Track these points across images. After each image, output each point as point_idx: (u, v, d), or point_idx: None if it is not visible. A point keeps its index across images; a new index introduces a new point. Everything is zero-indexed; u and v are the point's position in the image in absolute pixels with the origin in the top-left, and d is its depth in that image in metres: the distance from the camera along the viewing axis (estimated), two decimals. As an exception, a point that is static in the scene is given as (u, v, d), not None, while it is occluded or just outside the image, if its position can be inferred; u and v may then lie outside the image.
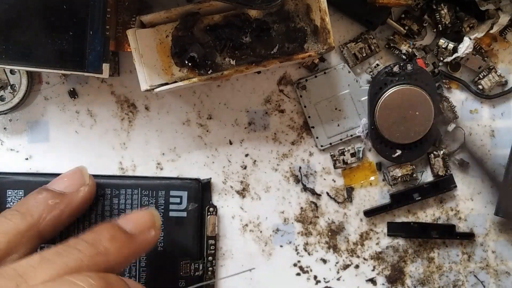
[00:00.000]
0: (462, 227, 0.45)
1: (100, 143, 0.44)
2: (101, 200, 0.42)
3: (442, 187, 0.44)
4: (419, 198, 0.44)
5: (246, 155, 0.45)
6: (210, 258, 0.44)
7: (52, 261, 0.34)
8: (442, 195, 0.45)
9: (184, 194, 0.43)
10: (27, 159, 0.44)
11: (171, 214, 0.43)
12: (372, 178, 0.45)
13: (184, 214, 0.43)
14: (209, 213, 0.43)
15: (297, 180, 0.45)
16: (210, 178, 0.44)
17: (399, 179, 0.44)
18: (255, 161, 0.45)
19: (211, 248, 0.44)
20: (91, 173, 0.41)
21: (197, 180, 0.43)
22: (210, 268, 0.44)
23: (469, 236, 0.45)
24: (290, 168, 0.45)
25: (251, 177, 0.45)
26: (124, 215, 0.39)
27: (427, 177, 0.45)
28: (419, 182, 0.45)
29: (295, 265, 0.45)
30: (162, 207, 0.43)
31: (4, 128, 0.44)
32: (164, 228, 0.42)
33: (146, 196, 0.43)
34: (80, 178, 0.40)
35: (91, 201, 0.41)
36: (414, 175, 0.44)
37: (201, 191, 0.43)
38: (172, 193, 0.43)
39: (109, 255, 0.36)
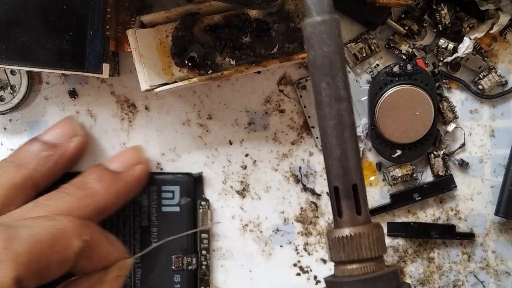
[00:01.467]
0: (462, 227, 0.45)
1: (100, 143, 0.44)
2: None
3: (442, 187, 0.44)
4: (419, 198, 0.44)
5: (246, 155, 0.45)
6: (204, 252, 0.44)
7: (44, 205, 0.36)
8: (442, 195, 0.45)
9: (176, 189, 0.43)
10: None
11: (164, 209, 0.43)
12: (372, 178, 0.45)
13: (177, 208, 0.43)
14: (201, 207, 0.43)
15: (297, 180, 0.45)
16: (202, 172, 0.44)
17: (399, 179, 0.44)
18: (255, 161, 0.45)
19: (205, 242, 0.44)
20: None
21: (188, 174, 0.43)
22: (204, 262, 0.44)
23: (469, 236, 0.45)
24: (290, 168, 0.45)
25: (251, 177, 0.45)
26: (110, 156, 0.40)
27: (427, 177, 0.45)
28: (419, 182, 0.45)
29: (295, 265, 0.45)
30: (155, 202, 0.43)
31: (4, 128, 0.44)
32: (157, 224, 0.42)
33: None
34: (72, 128, 0.41)
35: (84, 151, 0.41)
36: (414, 175, 0.44)
37: (193, 185, 0.43)
38: (164, 188, 0.43)
39: (97, 195, 0.38)
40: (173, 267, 0.42)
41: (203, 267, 0.44)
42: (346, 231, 0.24)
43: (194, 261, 0.43)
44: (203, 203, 0.43)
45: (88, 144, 0.42)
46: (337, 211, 0.25)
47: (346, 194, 0.25)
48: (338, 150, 0.25)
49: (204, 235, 0.44)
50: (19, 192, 0.37)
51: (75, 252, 0.33)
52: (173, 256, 0.42)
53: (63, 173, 0.41)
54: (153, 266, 0.42)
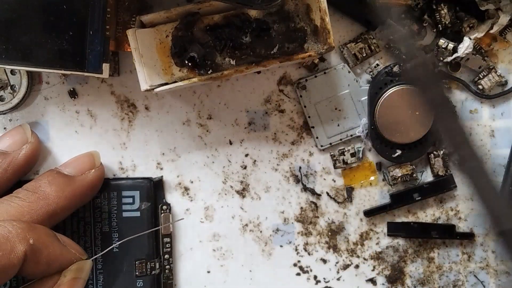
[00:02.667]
0: (462, 227, 0.45)
1: (100, 143, 0.44)
2: None
3: (442, 187, 0.44)
4: (419, 198, 0.44)
5: (246, 155, 0.45)
6: (166, 256, 0.44)
7: None
8: (442, 195, 0.45)
9: (136, 194, 0.43)
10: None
11: (125, 214, 0.43)
12: (372, 178, 0.45)
13: (138, 213, 0.43)
14: (162, 211, 0.43)
15: (297, 180, 0.45)
16: (162, 176, 0.44)
17: (399, 179, 0.44)
18: (255, 161, 0.45)
19: (167, 246, 0.44)
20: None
21: (148, 179, 0.43)
22: (167, 266, 0.44)
23: (469, 236, 0.45)
24: (290, 168, 0.45)
25: (251, 177, 0.45)
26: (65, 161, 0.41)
27: (427, 177, 0.45)
28: (419, 182, 0.45)
29: (295, 265, 0.45)
30: (115, 208, 0.43)
31: (4, 128, 0.44)
32: (118, 229, 0.42)
33: (98, 198, 0.43)
34: (23, 135, 0.41)
35: (35, 158, 0.41)
36: (414, 175, 0.44)
37: (153, 189, 0.43)
38: (124, 193, 0.43)
39: (48, 198, 0.38)
40: (137, 273, 0.42)
41: (166, 271, 0.44)
42: None
43: (157, 265, 0.43)
44: (164, 207, 0.43)
45: (40, 151, 0.42)
46: None
47: None
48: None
49: (166, 239, 0.43)
50: (32, 220, 0.37)
51: (19, 257, 0.33)
52: (136, 262, 0.42)
53: (15, 181, 0.41)
54: (115, 271, 0.42)
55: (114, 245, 0.41)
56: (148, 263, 0.43)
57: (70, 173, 0.40)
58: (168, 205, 0.44)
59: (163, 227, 0.43)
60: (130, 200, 0.43)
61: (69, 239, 0.39)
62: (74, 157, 0.42)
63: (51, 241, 0.36)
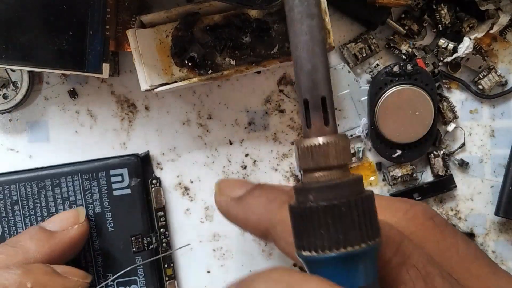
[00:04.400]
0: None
1: (100, 143, 0.44)
2: (43, 192, 0.42)
3: (442, 187, 0.44)
4: (419, 198, 0.44)
5: (246, 155, 0.45)
6: (162, 230, 0.44)
7: None
8: (442, 195, 0.45)
9: (125, 171, 0.43)
10: (27, 159, 0.44)
11: (115, 193, 0.43)
12: (372, 178, 0.45)
13: (128, 191, 0.43)
14: (153, 186, 0.43)
15: (297, 180, 0.45)
16: (148, 151, 0.44)
17: (399, 179, 0.44)
18: (255, 161, 0.45)
19: (162, 220, 0.44)
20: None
21: (135, 155, 0.43)
22: (164, 240, 0.44)
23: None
24: (290, 168, 0.45)
25: (251, 177, 0.45)
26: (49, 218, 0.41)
27: (427, 177, 0.45)
28: (419, 182, 0.45)
29: (295, 265, 0.45)
30: (105, 188, 0.43)
31: (5, 128, 0.44)
32: (111, 208, 0.43)
33: (87, 180, 0.43)
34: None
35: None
36: (414, 175, 0.44)
37: (141, 165, 0.43)
38: (112, 172, 0.43)
39: (28, 252, 0.38)
40: (134, 249, 0.43)
41: (164, 244, 0.44)
42: (315, 140, 0.25)
43: (154, 239, 0.43)
44: (154, 181, 0.44)
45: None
46: (306, 122, 0.26)
47: (315, 106, 0.26)
48: (309, 65, 0.25)
49: (160, 213, 0.44)
50: None
51: None
52: (132, 238, 0.43)
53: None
54: (113, 251, 0.42)
55: (123, 272, 0.42)
56: (145, 238, 0.43)
57: (51, 229, 0.40)
58: (158, 179, 0.44)
59: (155, 201, 0.43)
60: (119, 178, 0.43)
61: (68, 266, 0.39)
62: (58, 214, 0.42)
63: (49, 278, 0.36)
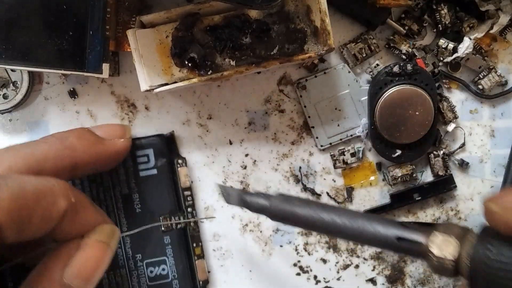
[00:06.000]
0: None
1: (100, 143, 0.44)
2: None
3: (442, 187, 0.44)
4: (419, 198, 0.44)
5: (246, 155, 0.45)
6: (189, 209, 0.44)
7: (18, 149, 0.36)
8: (442, 195, 0.45)
9: (150, 152, 0.43)
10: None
11: (142, 173, 0.43)
12: (372, 178, 0.45)
13: (155, 171, 0.43)
14: (178, 165, 0.43)
15: (297, 180, 0.45)
16: (173, 131, 0.44)
17: (399, 179, 0.44)
18: (255, 161, 0.45)
19: (188, 199, 0.44)
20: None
21: (160, 135, 0.43)
22: (192, 219, 0.44)
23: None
24: (290, 168, 0.45)
25: (251, 177, 0.45)
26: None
27: (427, 177, 0.45)
28: (419, 182, 0.45)
29: (295, 265, 0.45)
30: (132, 169, 0.43)
31: (5, 128, 0.44)
32: (137, 189, 0.43)
33: None
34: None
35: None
36: (414, 175, 0.44)
37: (166, 145, 0.43)
38: (138, 153, 0.43)
39: (75, 150, 0.38)
40: (163, 228, 0.43)
41: (192, 224, 0.44)
42: None
43: (182, 219, 0.43)
44: (179, 161, 0.43)
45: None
46: None
47: None
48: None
49: (187, 193, 0.44)
50: (55, 167, 0.37)
51: (60, 211, 0.33)
52: (160, 217, 0.43)
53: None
54: (141, 231, 0.42)
55: (145, 227, 0.41)
56: (173, 218, 0.43)
57: (100, 135, 0.40)
58: (184, 158, 0.44)
59: (182, 181, 0.43)
60: (145, 159, 0.43)
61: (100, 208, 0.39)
62: (108, 123, 0.42)
63: (88, 205, 0.36)
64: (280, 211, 0.36)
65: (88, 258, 0.35)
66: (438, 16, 0.42)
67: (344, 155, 0.44)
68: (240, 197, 0.38)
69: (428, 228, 0.32)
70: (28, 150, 0.36)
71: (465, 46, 0.42)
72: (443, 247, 0.31)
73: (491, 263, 0.29)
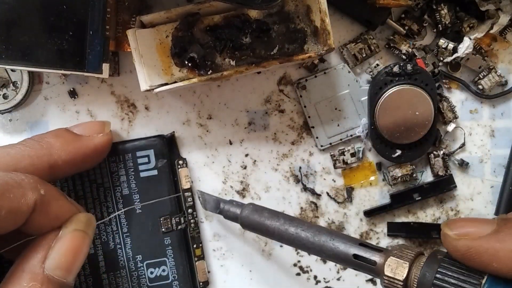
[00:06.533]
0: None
1: (100, 143, 0.44)
2: (70, 176, 0.43)
3: (442, 187, 0.44)
4: (419, 198, 0.44)
5: (246, 155, 0.45)
6: (190, 210, 0.44)
7: None
8: (442, 195, 0.45)
9: (151, 153, 0.43)
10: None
11: (142, 174, 0.43)
12: (372, 178, 0.45)
13: (155, 172, 0.43)
14: (179, 166, 0.43)
15: (297, 180, 0.45)
16: (174, 132, 0.44)
17: (399, 179, 0.44)
18: (255, 161, 0.45)
19: (189, 200, 0.44)
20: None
21: (160, 136, 0.43)
22: (192, 220, 0.44)
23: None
24: (290, 168, 0.45)
25: (251, 177, 0.45)
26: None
27: (427, 177, 0.45)
28: (419, 182, 0.45)
29: (295, 265, 0.45)
30: (132, 169, 0.43)
31: (5, 128, 0.44)
32: (138, 190, 0.43)
33: (114, 162, 0.43)
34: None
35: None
36: (414, 175, 0.44)
37: (167, 146, 0.43)
38: (139, 153, 0.43)
39: (52, 148, 0.38)
40: (163, 229, 0.43)
41: (192, 225, 0.44)
42: None
43: (182, 220, 0.43)
44: (180, 162, 0.43)
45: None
46: None
47: None
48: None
49: (187, 194, 0.44)
50: (32, 166, 0.37)
51: (29, 204, 0.33)
52: (161, 218, 0.43)
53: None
54: (142, 232, 0.43)
55: (124, 209, 0.42)
56: (173, 218, 0.43)
57: (78, 132, 0.40)
58: (184, 159, 0.44)
59: (182, 182, 0.43)
60: (146, 159, 0.43)
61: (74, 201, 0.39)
62: (86, 121, 0.42)
63: (59, 196, 0.36)
64: (250, 220, 0.39)
65: (67, 248, 0.35)
66: (438, 16, 0.42)
67: (344, 155, 0.44)
68: (216, 204, 0.41)
69: (385, 250, 0.36)
70: (3, 150, 0.37)
71: (465, 46, 0.42)
72: (394, 268, 0.34)
73: (437, 284, 0.33)
